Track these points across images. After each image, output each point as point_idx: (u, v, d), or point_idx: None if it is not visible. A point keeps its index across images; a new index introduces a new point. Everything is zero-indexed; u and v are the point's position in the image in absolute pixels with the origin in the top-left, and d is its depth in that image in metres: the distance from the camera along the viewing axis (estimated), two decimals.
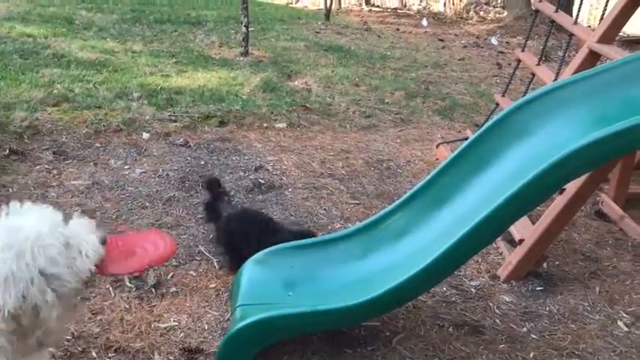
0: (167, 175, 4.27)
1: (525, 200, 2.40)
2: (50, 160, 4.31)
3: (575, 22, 4.08)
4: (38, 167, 4.20)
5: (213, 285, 3.15)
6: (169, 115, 5.21)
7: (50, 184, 4.00)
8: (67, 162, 4.34)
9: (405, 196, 2.97)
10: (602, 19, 3.79)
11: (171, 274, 3.21)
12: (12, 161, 4.21)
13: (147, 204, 3.87)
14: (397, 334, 2.83)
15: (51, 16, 8.37)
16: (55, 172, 4.17)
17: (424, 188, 2.93)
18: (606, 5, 3.82)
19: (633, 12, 3.66)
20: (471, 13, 14.64)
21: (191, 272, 3.23)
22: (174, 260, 3.32)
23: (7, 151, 4.28)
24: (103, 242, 1.90)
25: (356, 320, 2.66)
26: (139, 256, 2.11)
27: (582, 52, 3.66)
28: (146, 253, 2.13)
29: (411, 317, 2.97)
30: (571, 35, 4.03)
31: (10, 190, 3.84)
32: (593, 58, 3.62)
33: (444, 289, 3.20)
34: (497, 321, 2.98)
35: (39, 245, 1.67)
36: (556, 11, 4.27)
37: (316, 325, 2.57)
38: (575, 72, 3.57)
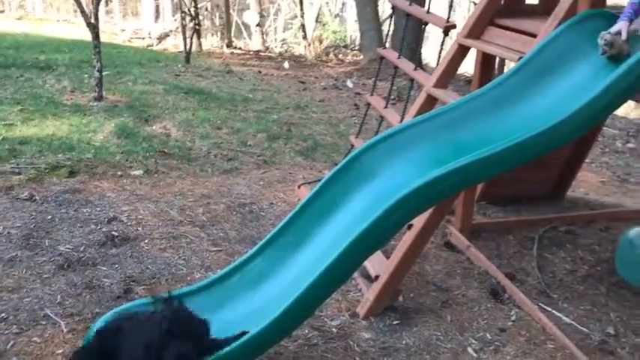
0: (8, 233, 3.93)
1: (370, 241, 2.49)
2: None
3: (416, 68, 4.38)
4: None
5: (60, 351, 2.92)
6: (12, 168, 4.83)
7: None
8: None
9: (262, 242, 2.97)
10: (438, 63, 4.11)
11: (12, 342, 2.93)
12: None
13: None
14: None
15: None
16: None
17: (280, 232, 2.95)
18: (440, 52, 4.15)
19: (464, 58, 4.01)
20: (331, 55, 15.27)
21: (35, 339, 2.98)
22: (14, 327, 3.04)
23: None
24: None
25: None
26: None
27: (422, 96, 3.93)
28: None
29: None
30: (412, 80, 4.32)
31: None
32: (432, 100, 3.90)
33: (306, 331, 3.21)
34: (358, 359, 3.03)
35: None
36: (399, 57, 4.56)
37: None
38: (418, 114, 3.82)
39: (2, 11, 15.36)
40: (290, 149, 6.51)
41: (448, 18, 4.03)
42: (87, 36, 10.11)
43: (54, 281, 3.45)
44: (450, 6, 4.48)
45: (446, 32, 3.94)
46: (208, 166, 5.63)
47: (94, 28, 7.02)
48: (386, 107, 4.51)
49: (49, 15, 16.39)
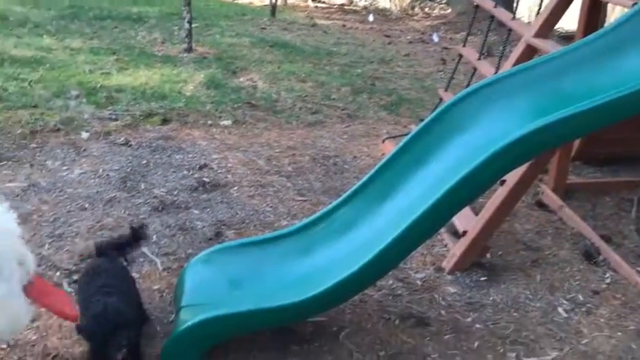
0: (107, 175, 4.14)
1: (465, 193, 2.43)
2: None
3: (514, 18, 4.17)
4: None
5: (157, 286, 3.07)
6: (110, 114, 5.06)
7: None
8: (1, 164, 4.16)
9: (348, 192, 2.97)
10: (538, 14, 3.89)
11: None
12: None
13: (86, 205, 3.75)
14: (344, 328, 2.83)
15: None
16: None
17: (367, 183, 2.94)
18: (542, 1, 3.91)
19: (567, 8, 3.76)
20: (417, 9, 14.81)
21: (133, 274, 3.14)
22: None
23: None
24: None
25: (301, 317, 2.64)
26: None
27: (520, 47, 3.74)
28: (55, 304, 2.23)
29: (358, 311, 2.97)
30: (510, 30, 4.12)
31: None
32: (531, 52, 3.71)
33: (390, 282, 3.22)
34: (443, 312, 3.02)
35: None
36: (495, 7, 4.35)
37: (261, 323, 2.54)
38: (514, 66, 3.64)
39: None
40: (374, 103, 6.43)
41: None
42: None
43: (150, 222, 3.61)
44: None
45: None
46: (293, 119, 5.67)
47: None
48: (479, 59, 4.34)
49: None
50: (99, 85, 5.70)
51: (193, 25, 7.46)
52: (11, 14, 8.14)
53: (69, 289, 2.95)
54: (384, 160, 2.91)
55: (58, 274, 3.06)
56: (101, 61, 6.48)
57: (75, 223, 3.54)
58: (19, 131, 4.60)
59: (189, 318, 2.46)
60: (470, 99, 2.81)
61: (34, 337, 2.62)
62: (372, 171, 2.92)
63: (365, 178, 2.93)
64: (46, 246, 3.29)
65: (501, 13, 4.23)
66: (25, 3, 9.14)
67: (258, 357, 2.61)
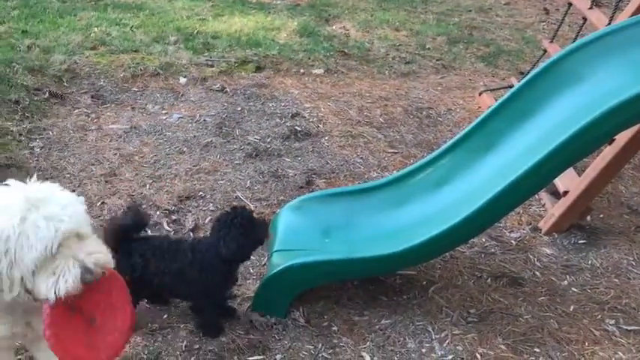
0: (204, 120, 4.25)
1: (574, 151, 2.29)
2: (88, 104, 4.33)
3: None
4: (77, 111, 4.23)
5: None
6: (206, 60, 5.15)
7: (89, 127, 4.03)
8: (104, 106, 4.36)
9: (445, 146, 2.89)
10: None
11: (209, 217, 3.22)
12: (52, 104, 4.25)
13: (184, 149, 3.88)
14: (433, 283, 2.81)
15: None
16: (93, 115, 4.20)
17: (465, 138, 2.84)
18: None
19: None
20: None
21: None
22: (211, 205, 3.33)
23: (47, 94, 4.31)
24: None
25: (392, 269, 2.64)
26: (95, 328, 1.76)
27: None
28: (101, 330, 1.77)
29: (448, 267, 2.93)
30: None
31: (51, 133, 3.89)
32: None
33: (483, 240, 3.14)
34: (538, 273, 2.92)
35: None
36: None
37: (352, 273, 2.56)
38: (632, 15, 3.35)
39: None
40: (471, 54, 6.18)
41: None
42: None
43: (244, 167, 3.69)
44: None
45: None
46: (386, 69, 5.55)
47: None
48: (590, 8, 4.02)
49: None
50: (196, 31, 5.80)
51: None
52: None
53: (168, 229, 3.09)
54: (486, 113, 2.79)
55: (157, 213, 3.20)
56: (198, 7, 6.57)
57: (174, 166, 3.67)
58: (121, 75, 4.79)
59: (281, 262, 2.51)
60: (583, 51, 2.61)
61: None
62: (472, 124, 2.82)
63: (463, 132, 2.83)
64: (147, 186, 3.44)
65: None
66: None
67: (347, 305, 2.64)
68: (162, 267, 2.30)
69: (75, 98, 4.37)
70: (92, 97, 4.42)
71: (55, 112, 4.15)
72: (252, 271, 2.83)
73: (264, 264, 2.84)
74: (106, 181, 3.44)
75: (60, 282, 1.55)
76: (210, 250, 2.32)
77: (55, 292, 1.55)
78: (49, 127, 3.95)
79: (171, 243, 2.39)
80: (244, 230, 2.28)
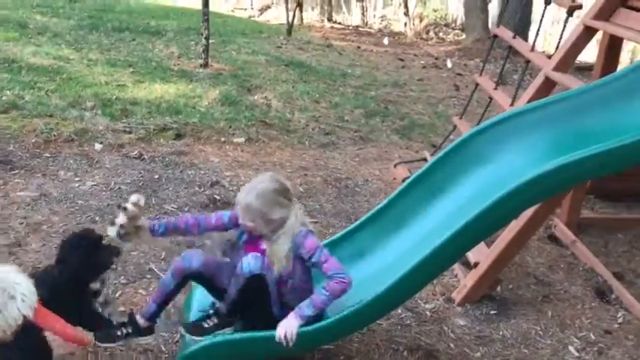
0: (119, 188, 4.13)
1: (483, 227, 2.40)
2: None
3: (532, 49, 4.17)
4: None
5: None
6: (124, 127, 5.07)
7: None
8: (13, 172, 4.17)
9: (362, 219, 2.94)
10: (558, 47, 3.88)
11: (119, 292, 3.09)
12: None
13: (97, 218, 3.74)
14: (351, 358, 2.80)
15: (3, 19, 8.09)
16: (0, 182, 3.99)
17: (382, 211, 2.91)
18: (562, 33, 3.90)
19: (588, 41, 3.75)
20: (431, 33, 14.89)
21: (140, 291, 3.13)
22: (122, 278, 3.20)
23: None
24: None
25: (310, 345, 2.60)
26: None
27: (539, 79, 3.73)
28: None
29: (366, 340, 2.93)
30: (528, 61, 4.11)
31: None
32: (549, 85, 3.69)
33: (399, 311, 3.18)
34: (452, 345, 2.97)
35: None
36: (514, 37, 4.35)
37: (268, 351, 2.50)
38: (532, 98, 3.64)
39: None
40: (387, 127, 6.44)
41: None
42: (193, 4, 10.31)
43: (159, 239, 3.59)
44: None
45: (570, 13, 3.70)
46: (306, 139, 5.67)
47: None
48: (495, 89, 4.33)
49: None
50: (114, 97, 5.72)
51: (210, 41, 7.51)
52: (31, 22, 8.22)
53: None
54: (400, 188, 2.88)
55: None
56: (118, 73, 6.52)
57: None
58: (33, 140, 4.61)
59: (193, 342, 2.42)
60: (490, 132, 2.79)
61: None
62: (388, 198, 2.89)
63: (380, 205, 2.90)
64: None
65: (520, 44, 4.23)
66: (45, 12, 9.24)
67: None
68: None
69: None
70: (0, 162, 4.21)
71: None
72: (164, 349, 2.71)
73: (177, 341, 2.73)
74: (10, 253, 3.25)
75: None
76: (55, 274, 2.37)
77: None
78: None
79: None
80: (86, 252, 2.37)
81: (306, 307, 2.34)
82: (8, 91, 5.37)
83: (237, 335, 2.44)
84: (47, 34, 7.86)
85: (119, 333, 2.50)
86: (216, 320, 2.47)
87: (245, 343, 2.42)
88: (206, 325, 2.46)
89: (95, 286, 2.56)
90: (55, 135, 4.72)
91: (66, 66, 6.51)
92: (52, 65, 6.44)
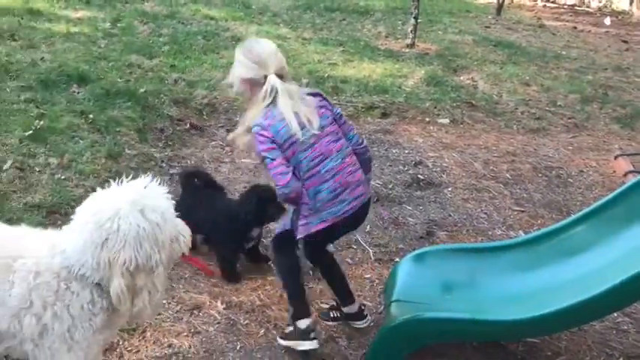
0: None
1: None
2: (224, 137, 4.59)
3: None
4: (213, 143, 4.50)
5: (368, 275, 3.16)
6: (335, 104, 5.30)
7: (223, 160, 4.27)
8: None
9: (584, 211, 2.76)
10: None
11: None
12: (191, 135, 4.55)
13: None
14: (559, 355, 2.66)
15: (231, 0, 8.88)
16: (227, 149, 4.44)
17: (607, 205, 2.70)
18: None
19: None
20: None
21: (347, 260, 3.28)
22: (331, 246, 3.38)
23: (188, 125, 4.63)
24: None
25: (517, 336, 2.53)
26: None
27: None
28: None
29: (575, 340, 2.76)
30: None
31: (188, 162, 4.15)
32: None
33: (615, 315, 2.93)
34: None
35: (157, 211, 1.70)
36: None
37: (474, 335, 2.48)
38: None
39: None
40: (605, 114, 5.91)
41: None
42: None
43: None
44: None
45: None
46: (514, 123, 5.44)
47: None
48: None
49: None
50: (326, 74, 6.01)
51: (418, 21, 7.49)
52: (254, 2, 8.90)
53: None
54: (630, 183, 2.64)
55: None
56: (329, 52, 6.82)
57: None
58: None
59: (401, 314, 2.48)
60: None
61: (258, 303, 2.86)
62: (615, 192, 2.68)
63: (604, 200, 2.69)
64: None
65: None
66: None
67: None
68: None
69: (212, 131, 4.66)
70: (228, 130, 4.66)
71: (194, 143, 4.44)
72: (369, 317, 2.82)
73: (381, 312, 2.83)
74: None
75: None
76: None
77: None
78: (187, 156, 4.23)
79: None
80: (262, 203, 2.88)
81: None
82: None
83: (442, 314, 2.45)
84: (267, 13, 8.47)
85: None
86: None
87: (448, 324, 2.43)
88: None
89: (256, 231, 3.08)
90: None
91: (284, 44, 6.96)
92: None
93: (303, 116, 2.38)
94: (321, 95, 2.53)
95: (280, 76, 2.39)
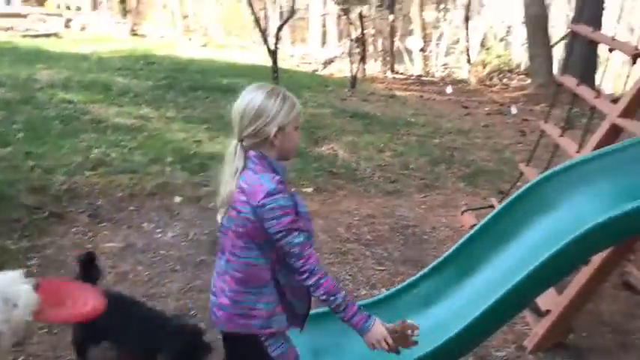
0: (198, 239, 4.39)
1: (550, 273, 2.44)
2: (86, 223, 4.47)
3: (598, 95, 4.18)
4: (74, 229, 4.36)
5: None
6: (200, 180, 5.38)
7: (85, 246, 4.14)
8: (102, 225, 4.50)
9: (432, 264, 3.03)
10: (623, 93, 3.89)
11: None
12: (51, 223, 4.38)
13: (177, 267, 3.98)
14: None
15: (90, 82, 8.76)
16: (90, 234, 4.33)
17: (452, 257, 2.99)
18: (627, 80, 3.92)
19: None
20: (494, 80, 14.89)
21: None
22: (202, 324, 3.38)
23: (47, 213, 4.46)
24: (36, 287, 1.95)
25: None
26: (67, 307, 2.16)
27: (604, 126, 3.75)
28: (75, 307, 2.19)
29: None
30: (593, 108, 4.13)
31: (48, 251, 3.99)
32: (616, 132, 3.70)
33: (470, 359, 3.20)
34: None
35: None
36: (578, 85, 4.39)
37: None
38: (598, 145, 3.65)
39: (190, 39, 17.07)
40: (452, 174, 6.50)
41: (638, 45, 3.81)
42: (262, 60, 10.80)
43: None
44: None
45: (634, 60, 3.73)
46: (372, 187, 5.82)
47: (273, 55, 7.58)
48: (561, 136, 4.35)
49: (229, 41, 17.92)
50: (192, 152, 6.09)
51: None
52: (114, 84, 8.85)
53: None
54: (468, 235, 2.97)
55: None
56: (194, 130, 6.92)
57: (167, 284, 3.76)
58: (119, 194, 4.97)
59: None
60: (557, 179, 2.86)
61: None
62: (457, 245, 2.98)
63: (449, 252, 2.99)
64: None
65: (585, 92, 4.26)
66: (126, 74, 9.93)
67: None
68: None
69: (73, 217, 4.52)
70: (89, 216, 4.57)
71: (53, 231, 4.28)
72: None
73: None
74: None
75: None
76: None
77: None
78: (47, 244, 4.06)
79: None
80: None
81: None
82: (96, 149, 5.81)
83: None
84: (129, 94, 8.44)
85: None
86: None
87: None
88: None
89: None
90: (138, 189, 5.07)
91: (147, 124, 6.98)
92: (134, 124, 6.92)
93: None
94: None
95: None
